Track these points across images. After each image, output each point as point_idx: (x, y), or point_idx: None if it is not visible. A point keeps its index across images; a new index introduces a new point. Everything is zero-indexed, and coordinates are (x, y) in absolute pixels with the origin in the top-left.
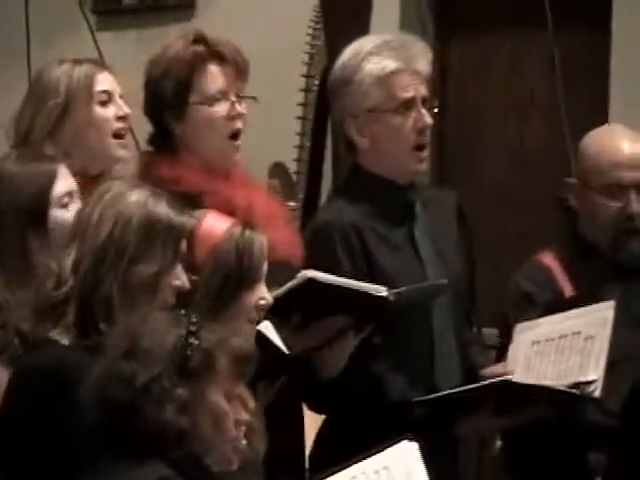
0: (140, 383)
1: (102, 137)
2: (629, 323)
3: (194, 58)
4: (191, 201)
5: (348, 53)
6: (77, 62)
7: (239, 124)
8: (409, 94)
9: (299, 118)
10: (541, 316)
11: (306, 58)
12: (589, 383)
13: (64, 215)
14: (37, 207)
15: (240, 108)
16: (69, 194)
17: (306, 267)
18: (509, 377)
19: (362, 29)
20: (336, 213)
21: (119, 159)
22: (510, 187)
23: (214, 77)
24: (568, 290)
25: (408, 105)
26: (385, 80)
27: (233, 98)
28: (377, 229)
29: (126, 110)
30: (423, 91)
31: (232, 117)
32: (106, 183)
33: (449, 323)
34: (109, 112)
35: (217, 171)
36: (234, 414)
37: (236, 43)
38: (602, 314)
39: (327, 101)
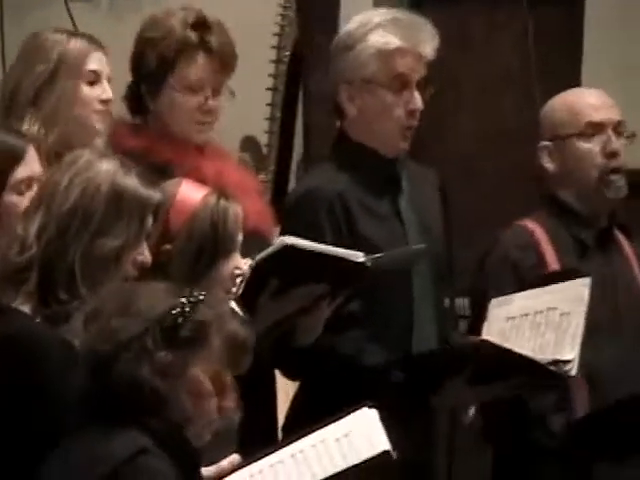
0: (123, 337)
1: (83, 115)
2: (601, 290)
3: (184, 43)
4: (160, 171)
5: (356, 22)
6: (74, 34)
7: (208, 118)
8: (405, 73)
9: (270, 89)
10: (517, 291)
11: (277, 29)
12: (566, 362)
13: (16, 201)
14: None
15: (213, 102)
16: (28, 180)
17: (288, 231)
18: (486, 337)
19: (333, 3)
20: (322, 180)
21: (98, 131)
22: (483, 161)
23: (197, 67)
24: (549, 253)
25: (403, 84)
26: (386, 54)
27: (209, 92)
28: (362, 199)
29: (109, 94)
30: (420, 74)
31: (201, 110)
32: (76, 151)
33: (429, 293)
34: (94, 92)
35: (186, 142)
36: (220, 400)
37: (208, 13)
38: (577, 291)
39: (298, 72)
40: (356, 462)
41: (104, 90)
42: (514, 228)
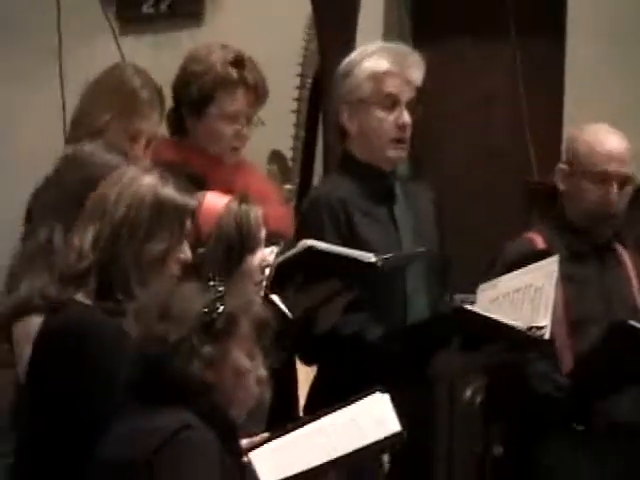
0: (172, 341)
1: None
2: (596, 292)
3: (225, 79)
4: (195, 181)
5: (355, 52)
6: (145, 85)
7: (239, 143)
8: (394, 92)
9: (294, 111)
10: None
11: (301, 59)
12: (540, 328)
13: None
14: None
15: (246, 131)
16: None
17: (300, 231)
18: (462, 305)
19: (349, 36)
20: (328, 189)
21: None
22: (473, 176)
23: (235, 99)
24: None
25: (392, 103)
26: (377, 77)
27: (244, 122)
28: (362, 206)
29: (139, 154)
30: (409, 95)
31: (237, 137)
32: (122, 169)
33: (421, 287)
34: (131, 148)
35: (221, 159)
36: (255, 372)
37: (240, 46)
38: (549, 268)
39: (319, 97)
40: (371, 442)
41: (139, 149)
42: (518, 238)
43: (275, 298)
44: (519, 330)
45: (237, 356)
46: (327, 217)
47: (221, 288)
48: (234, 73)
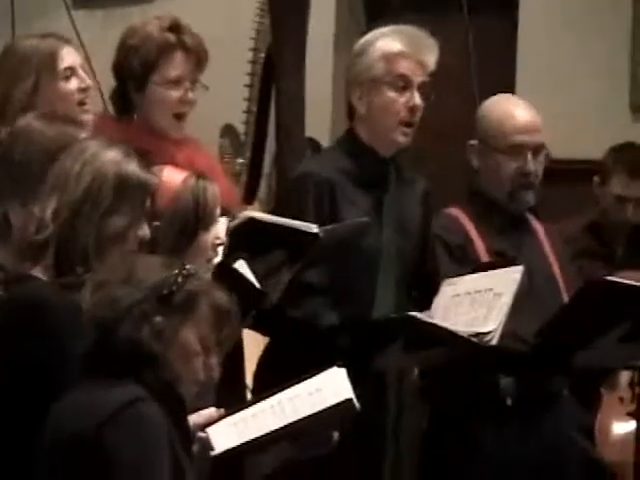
0: (124, 304)
1: (67, 108)
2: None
3: (164, 44)
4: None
5: (369, 34)
6: (42, 37)
7: (186, 108)
8: (406, 73)
9: (247, 86)
10: (466, 274)
11: (254, 34)
12: (487, 333)
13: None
14: None
15: (191, 95)
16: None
17: (281, 207)
18: (413, 313)
19: (301, 10)
20: (318, 167)
21: (84, 123)
22: (427, 156)
23: (177, 64)
24: (474, 235)
25: (404, 84)
26: (390, 57)
27: (187, 85)
28: (349, 189)
29: (88, 82)
30: (421, 78)
31: (182, 102)
32: (84, 141)
33: (391, 284)
34: (72, 85)
35: (164, 135)
36: (206, 358)
37: (192, 22)
38: (512, 276)
39: (271, 71)
40: (323, 408)
41: (82, 80)
42: (440, 215)
43: (240, 267)
44: (464, 337)
45: (188, 336)
46: (311, 197)
47: (189, 267)
48: (172, 37)
